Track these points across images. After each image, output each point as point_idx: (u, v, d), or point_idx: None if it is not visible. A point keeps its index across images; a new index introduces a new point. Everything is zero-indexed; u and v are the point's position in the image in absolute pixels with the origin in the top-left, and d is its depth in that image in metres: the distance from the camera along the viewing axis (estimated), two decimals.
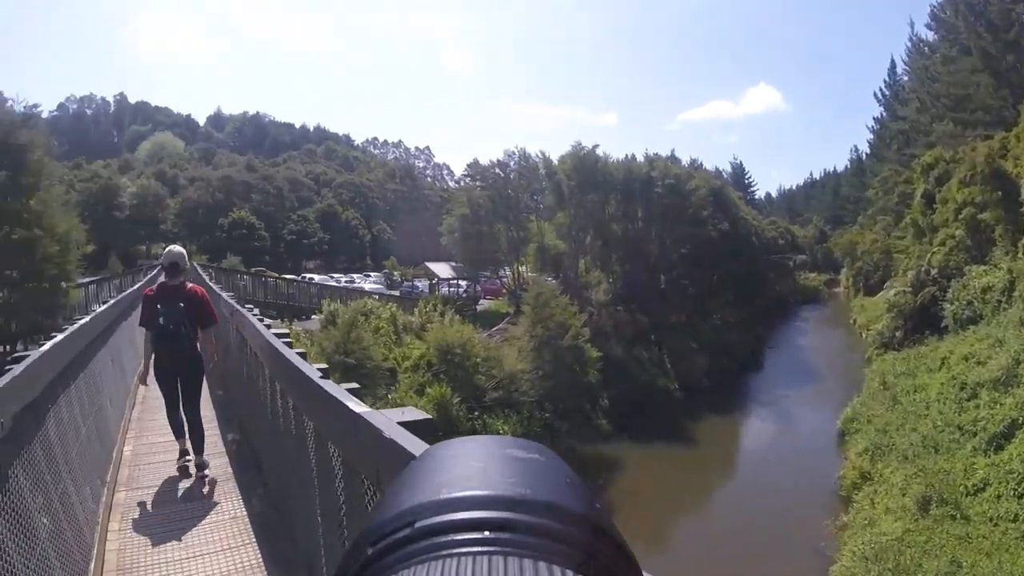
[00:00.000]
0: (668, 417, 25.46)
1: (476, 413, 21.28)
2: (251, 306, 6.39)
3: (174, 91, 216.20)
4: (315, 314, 27.74)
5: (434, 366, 22.03)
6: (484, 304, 38.07)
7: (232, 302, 7.90)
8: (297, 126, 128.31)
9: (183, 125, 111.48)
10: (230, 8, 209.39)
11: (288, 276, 40.41)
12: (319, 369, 3.07)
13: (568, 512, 0.35)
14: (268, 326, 4.69)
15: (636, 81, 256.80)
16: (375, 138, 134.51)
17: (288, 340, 4.30)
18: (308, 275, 46.78)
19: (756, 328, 41.21)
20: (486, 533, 0.33)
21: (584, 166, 36.54)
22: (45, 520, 2.97)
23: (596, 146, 37.81)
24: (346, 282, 44.26)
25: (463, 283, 41.32)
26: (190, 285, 5.94)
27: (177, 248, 6.12)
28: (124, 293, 13.63)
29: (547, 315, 24.40)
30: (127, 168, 69.40)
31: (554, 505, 0.35)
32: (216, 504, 5.24)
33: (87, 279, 25.87)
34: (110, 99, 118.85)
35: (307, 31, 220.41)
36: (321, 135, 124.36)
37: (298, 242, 62.14)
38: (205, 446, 5.93)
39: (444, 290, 39.96)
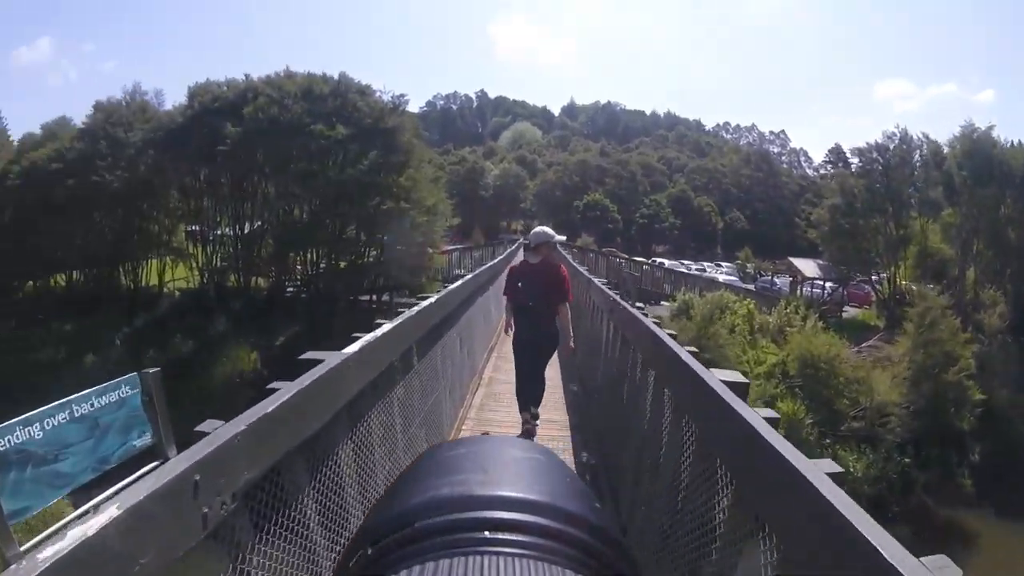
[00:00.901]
0: None
1: (828, 441, 18.19)
2: (642, 306, 5.34)
3: (529, 86, 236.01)
4: (664, 301, 26.58)
5: (789, 377, 19.29)
6: (849, 311, 32.96)
7: (611, 294, 6.81)
8: (647, 113, 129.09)
9: (539, 116, 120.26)
10: (576, 8, 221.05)
11: (638, 259, 40.50)
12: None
13: (568, 513, 0.35)
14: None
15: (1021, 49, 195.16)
16: (727, 123, 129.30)
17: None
18: (658, 259, 46.09)
19: None
20: (486, 533, 0.34)
21: (977, 152, 28.94)
22: None
23: (991, 127, 29.98)
24: (696, 270, 42.28)
25: (828, 285, 36.07)
26: (553, 263, 6.14)
27: (539, 228, 6.34)
28: (483, 267, 12.95)
29: (932, 338, 19.74)
30: (490, 154, 77.47)
31: (554, 506, 0.35)
32: None
33: (452, 247, 28.79)
34: (472, 95, 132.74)
35: (651, 20, 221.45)
36: (671, 121, 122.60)
37: (649, 226, 62.05)
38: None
39: (807, 290, 35.52)
